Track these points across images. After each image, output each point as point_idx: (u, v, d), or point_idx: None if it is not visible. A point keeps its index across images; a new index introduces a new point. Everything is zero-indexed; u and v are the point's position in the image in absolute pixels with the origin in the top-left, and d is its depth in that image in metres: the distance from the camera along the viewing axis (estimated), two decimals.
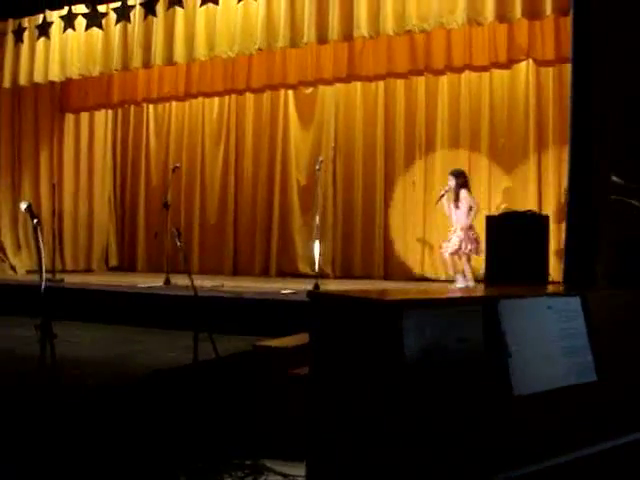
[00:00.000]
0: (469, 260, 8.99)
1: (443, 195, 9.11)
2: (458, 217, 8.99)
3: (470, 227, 8.84)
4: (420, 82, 10.92)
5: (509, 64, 10.17)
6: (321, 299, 3.03)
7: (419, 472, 2.37)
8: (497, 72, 10.37)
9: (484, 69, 10.36)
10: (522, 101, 10.21)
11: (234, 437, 5.27)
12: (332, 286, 9.07)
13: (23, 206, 4.89)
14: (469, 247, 8.85)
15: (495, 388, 2.61)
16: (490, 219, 7.42)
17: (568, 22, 7.51)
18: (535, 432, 2.59)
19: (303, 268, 11.58)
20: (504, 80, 10.37)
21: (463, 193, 8.96)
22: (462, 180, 9.02)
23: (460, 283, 8.84)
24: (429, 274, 10.65)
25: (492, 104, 10.45)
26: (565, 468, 2.56)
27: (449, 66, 10.42)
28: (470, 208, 8.90)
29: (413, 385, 2.40)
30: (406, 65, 10.62)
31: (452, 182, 9.00)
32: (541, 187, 9.97)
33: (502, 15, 7.95)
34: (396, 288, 9.02)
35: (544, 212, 8.85)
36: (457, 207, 8.96)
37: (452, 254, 8.99)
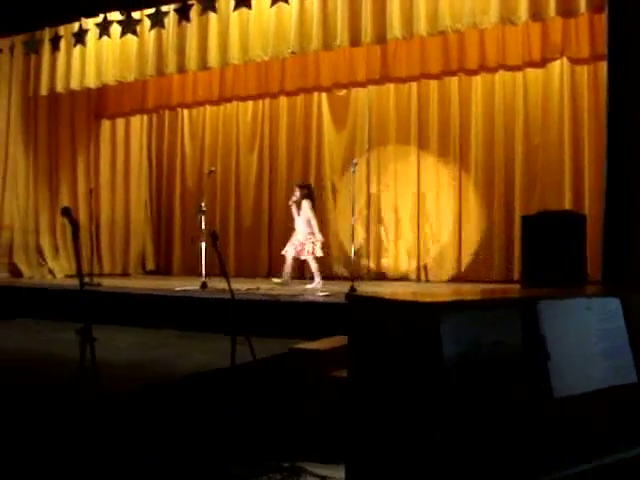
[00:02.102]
0: (314, 260, 9.78)
1: (291, 204, 9.80)
2: (297, 225, 9.76)
3: (308, 235, 9.66)
4: (453, 83, 10.89)
5: (543, 63, 10.11)
6: (359, 301, 3.03)
7: (458, 474, 2.36)
8: (531, 71, 10.30)
9: (518, 68, 10.31)
10: (557, 100, 10.12)
11: (271, 439, 5.28)
12: (367, 288, 9.05)
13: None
14: (304, 253, 9.68)
15: (535, 390, 2.59)
16: (526, 219, 7.35)
17: (603, 19, 7.44)
18: (575, 434, 2.57)
19: (337, 270, 11.59)
20: (538, 79, 10.29)
21: (304, 204, 9.65)
22: (305, 192, 9.78)
23: (315, 284, 9.57)
24: (467, 275, 10.60)
25: (526, 103, 10.37)
26: (606, 470, 2.54)
27: (483, 66, 10.40)
28: (309, 220, 9.70)
29: (452, 387, 2.40)
30: (439, 66, 10.62)
31: (297, 193, 9.74)
32: (577, 187, 9.87)
33: (536, 14, 7.89)
34: (433, 290, 8.99)
35: (580, 212, 8.78)
36: (299, 215, 9.69)
37: (293, 258, 9.80)
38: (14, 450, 3.84)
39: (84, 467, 4.02)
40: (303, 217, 9.69)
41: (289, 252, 9.77)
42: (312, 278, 9.80)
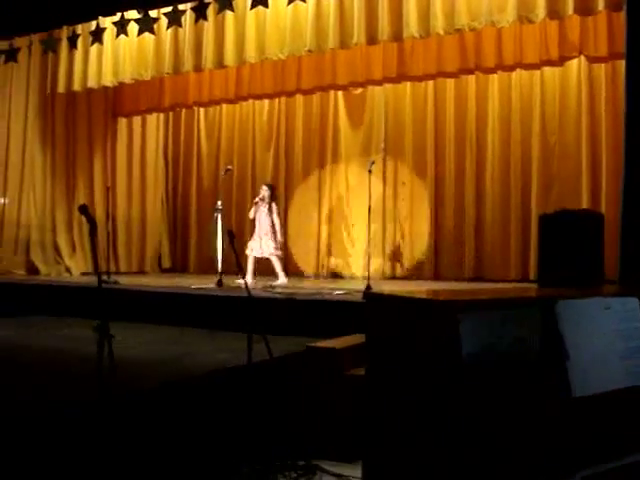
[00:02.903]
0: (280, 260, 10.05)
1: (257, 203, 9.90)
2: (263, 223, 9.86)
3: (274, 233, 9.87)
4: (470, 81, 10.87)
5: (560, 61, 10.07)
6: (377, 300, 3.03)
7: (477, 474, 2.36)
8: (548, 69, 10.26)
9: (535, 67, 10.28)
10: (574, 98, 10.08)
11: (287, 437, 5.29)
12: (382, 287, 9.04)
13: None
14: (269, 251, 9.83)
15: (553, 390, 2.58)
16: (544, 218, 7.32)
17: (621, 17, 7.39)
18: (595, 434, 2.56)
19: (353, 269, 11.61)
20: (555, 77, 10.25)
21: (274, 204, 9.93)
22: (274, 193, 10.08)
23: (281, 280, 9.77)
24: (484, 274, 10.58)
25: (543, 102, 10.33)
26: (625, 471, 2.52)
27: (500, 64, 10.36)
28: (276, 220, 9.94)
29: (470, 386, 2.39)
30: (456, 64, 10.58)
31: (267, 192, 9.90)
32: (594, 186, 9.82)
33: (554, 12, 7.86)
34: (449, 288, 8.97)
35: (598, 211, 8.73)
36: (268, 215, 9.85)
37: (257, 257, 9.91)
38: (32, 448, 3.87)
39: (101, 464, 4.04)
40: (272, 217, 9.85)
41: (265, 252, 9.86)
42: (244, 275, 9.77)
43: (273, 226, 9.83)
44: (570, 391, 2.60)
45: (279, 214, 10.13)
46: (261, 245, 9.77)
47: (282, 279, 9.73)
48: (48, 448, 3.91)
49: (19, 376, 5.41)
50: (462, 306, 2.49)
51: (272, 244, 9.78)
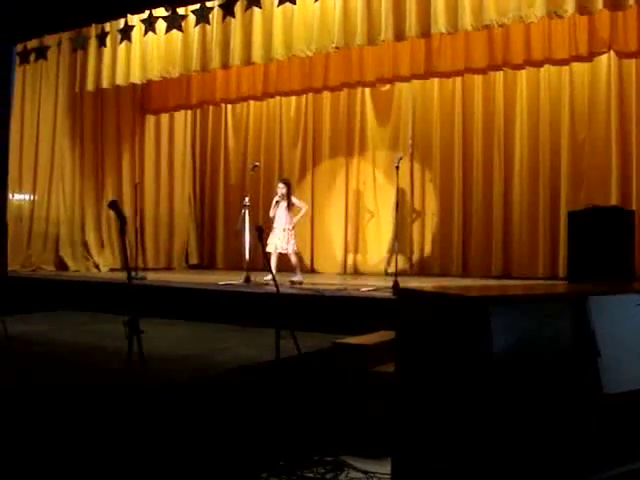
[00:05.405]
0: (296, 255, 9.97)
1: (278, 202, 9.81)
2: (284, 219, 9.77)
3: (293, 228, 9.82)
4: (498, 77, 10.80)
5: (590, 57, 9.95)
6: (409, 295, 3.03)
7: (507, 470, 2.35)
8: (577, 65, 10.16)
9: (564, 62, 10.18)
10: (604, 95, 9.97)
11: (315, 434, 5.30)
12: (410, 283, 9.01)
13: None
14: (291, 247, 9.78)
15: (585, 386, 2.57)
16: (573, 215, 7.27)
17: None
18: (626, 431, 2.55)
19: (379, 265, 11.58)
20: (585, 73, 10.15)
21: (293, 198, 9.92)
22: (291, 187, 9.99)
23: (299, 277, 9.67)
24: (512, 271, 10.52)
25: (572, 98, 10.24)
26: None
27: (528, 60, 10.27)
28: (296, 212, 9.97)
29: (501, 382, 2.39)
30: (484, 60, 10.50)
31: (284, 189, 9.80)
32: (624, 183, 9.72)
33: (583, 7, 7.76)
34: (479, 285, 8.94)
35: (628, 208, 8.66)
36: (289, 210, 9.78)
37: (279, 253, 9.79)
38: (65, 442, 3.91)
39: (134, 457, 4.08)
40: (292, 213, 9.83)
41: (289, 249, 9.81)
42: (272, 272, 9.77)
43: (292, 222, 9.81)
44: (601, 388, 2.58)
45: (299, 209, 10.01)
46: (282, 241, 9.75)
47: (299, 276, 9.71)
48: (77, 440, 3.95)
49: (50, 370, 5.46)
50: (493, 302, 2.49)
51: (292, 240, 9.78)
